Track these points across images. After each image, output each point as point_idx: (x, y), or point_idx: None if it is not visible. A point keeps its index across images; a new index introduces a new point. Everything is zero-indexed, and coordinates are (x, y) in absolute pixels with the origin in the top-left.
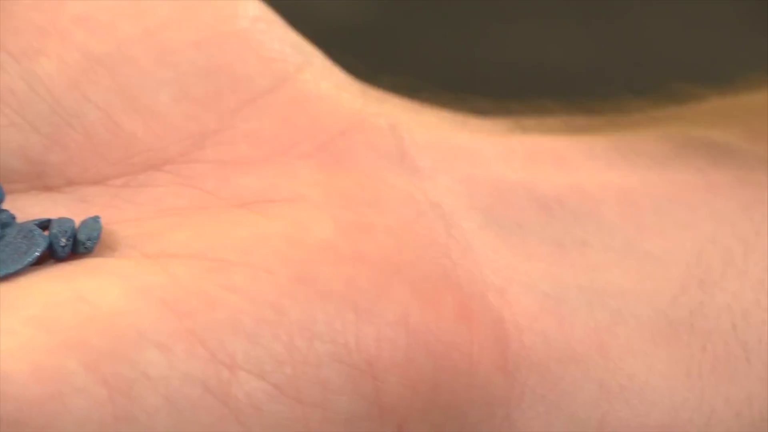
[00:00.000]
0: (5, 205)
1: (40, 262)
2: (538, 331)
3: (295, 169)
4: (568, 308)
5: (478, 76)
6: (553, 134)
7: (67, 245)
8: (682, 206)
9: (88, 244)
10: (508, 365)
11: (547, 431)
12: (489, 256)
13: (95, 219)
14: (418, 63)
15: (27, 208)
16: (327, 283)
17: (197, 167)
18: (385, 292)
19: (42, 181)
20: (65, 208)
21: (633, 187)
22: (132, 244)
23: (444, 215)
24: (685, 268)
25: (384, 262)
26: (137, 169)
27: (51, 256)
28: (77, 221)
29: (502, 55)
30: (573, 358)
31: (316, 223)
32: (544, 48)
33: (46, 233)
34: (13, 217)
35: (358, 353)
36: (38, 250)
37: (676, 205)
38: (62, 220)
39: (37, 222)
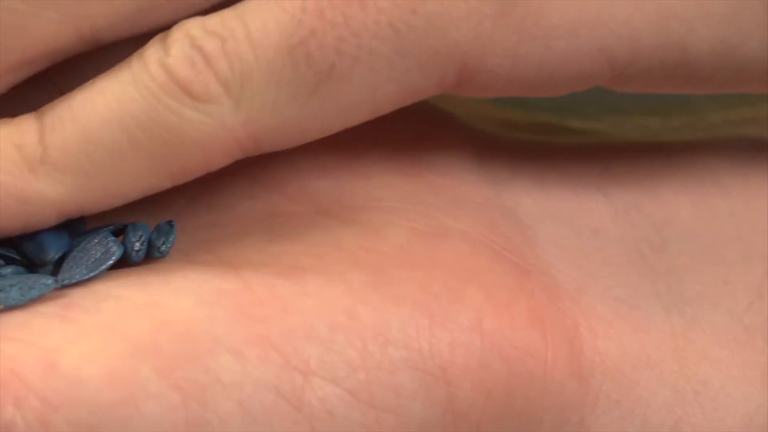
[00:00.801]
0: None
1: (115, 266)
2: (613, 337)
3: (371, 174)
4: (644, 314)
5: None
6: (628, 139)
7: (141, 250)
8: (759, 211)
9: (163, 248)
10: (582, 371)
11: None
12: (564, 260)
13: (170, 223)
14: None
15: (103, 213)
16: (401, 288)
17: (274, 172)
18: (459, 298)
19: None
20: (141, 212)
21: (710, 192)
22: (207, 248)
23: (519, 221)
24: (761, 274)
25: (458, 268)
26: (215, 174)
27: (126, 261)
28: (151, 226)
29: None
30: (648, 364)
31: (390, 228)
32: None
33: (121, 238)
34: (84, 224)
35: (431, 359)
36: (113, 258)
37: (753, 210)
38: (137, 225)
39: (112, 227)
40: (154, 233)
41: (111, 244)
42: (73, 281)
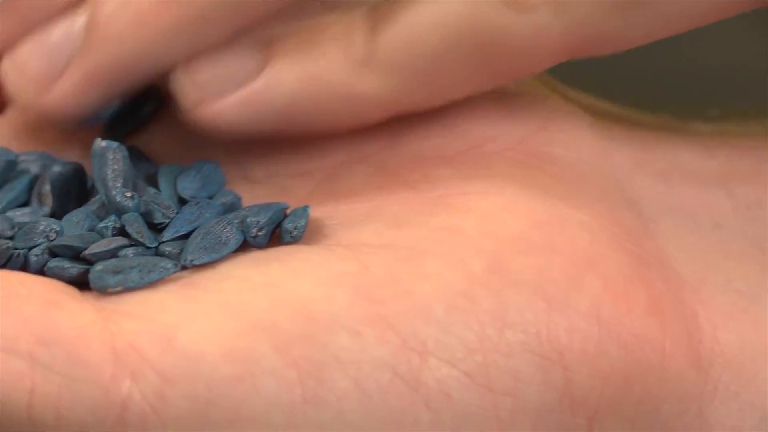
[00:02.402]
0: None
1: (238, 249)
2: (733, 329)
3: (492, 162)
4: (764, 308)
5: (677, 82)
6: (754, 138)
7: (259, 237)
8: None
9: (295, 233)
10: (701, 361)
11: (739, 429)
12: (684, 253)
13: (304, 209)
14: (616, 70)
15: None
16: (519, 273)
17: (396, 159)
18: (577, 284)
19: (243, 173)
20: (265, 198)
21: None
22: (327, 233)
23: (641, 213)
24: None
25: (577, 255)
26: (339, 162)
27: (246, 245)
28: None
29: (702, 60)
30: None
31: (509, 215)
32: (744, 52)
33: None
34: (239, 198)
35: (549, 343)
36: (234, 244)
37: None
38: (258, 212)
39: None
40: (288, 218)
41: (232, 229)
42: (195, 264)
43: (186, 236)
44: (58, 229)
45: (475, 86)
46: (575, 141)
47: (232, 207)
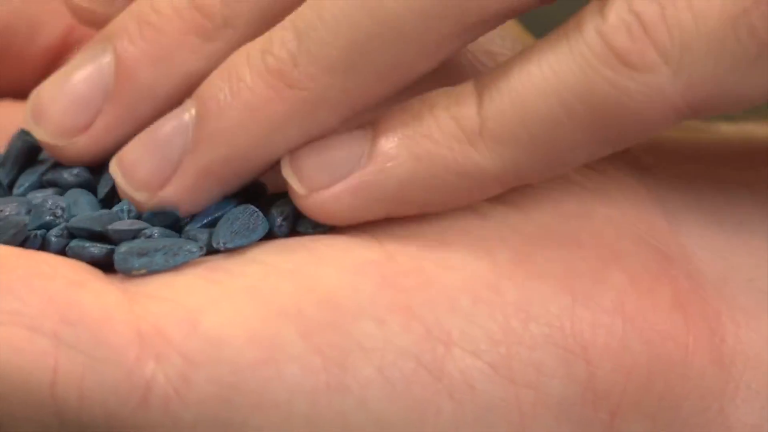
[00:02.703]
0: None
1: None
2: (755, 328)
3: None
4: None
5: None
6: None
7: (283, 226)
8: None
9: (314, 227)
10: (723, 359)
11: (760, 427)
12: (708, 251)
13: None
14: None
15: None
16: (544, 266)
17: None
18: (602, 279)
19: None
20: None
21: None
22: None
23: (666, 210)
24: None
25: (602, 249)
26: None
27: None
28: None
29: None
30: None
31: (536, 208)
32: None
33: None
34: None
35: (572, 337)
36: (264, 229)
37: None
38: (284, 201)
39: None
40: None
41: (259, 217)
42: (227, 247)
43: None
44: (64, 205)
45: (590, 153)
46: None
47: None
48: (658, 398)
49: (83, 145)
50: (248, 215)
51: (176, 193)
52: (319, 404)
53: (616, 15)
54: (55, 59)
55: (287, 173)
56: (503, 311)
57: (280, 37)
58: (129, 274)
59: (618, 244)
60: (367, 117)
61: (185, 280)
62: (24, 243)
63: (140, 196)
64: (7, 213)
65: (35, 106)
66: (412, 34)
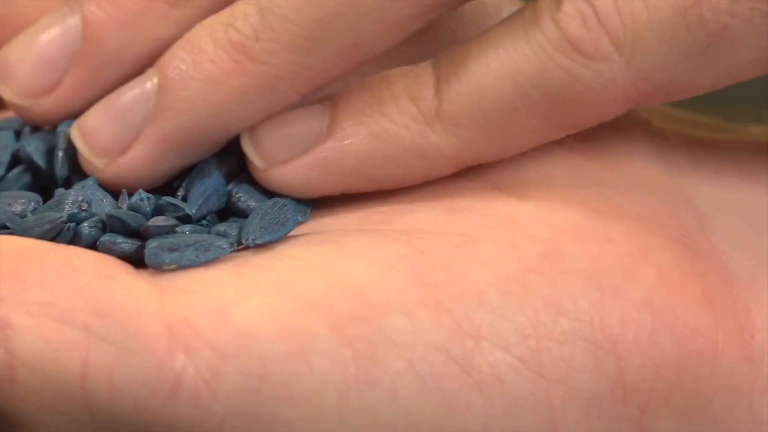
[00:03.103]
0: None
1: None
2: None
3: (546, 153)
4: None
5: (730, 85)
6: None
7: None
8: None
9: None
10: (753, 355)
11: None
12: (738, 249)
13: None
14: None
15: None
16: (574, 261)
17: None
18: (632, 274)
19: None
20: None
21: None
22: (382, 218)
23: (695, 208)
24: None
25: (632, 245)
26: None
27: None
28: None
29: None
30: None
31: (564, 204)
32: None
33: None
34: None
35: (602, 332)
36: (294, 222)
37: None
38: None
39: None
40: None
41: (289, 211)
42: (257, 243)
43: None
44: (89, 200)
45: (543, 136)
46: (630, 137)
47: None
48: (687, 394)
49: (49, 106)
50: (278, 209)
51: (135, 161)
52: (349, 397)
53: (570, 4)
54: None
55: (247, 147)
56: (533, 306)
57: (243, 11)
58: (159, 269)
59: (647, 241)
60: (326, 91)
61: (215, 275)
62: (55, 237)
63: (99, 162)
64: (41, 207)
65: (2, 65)
66: (373, 13)
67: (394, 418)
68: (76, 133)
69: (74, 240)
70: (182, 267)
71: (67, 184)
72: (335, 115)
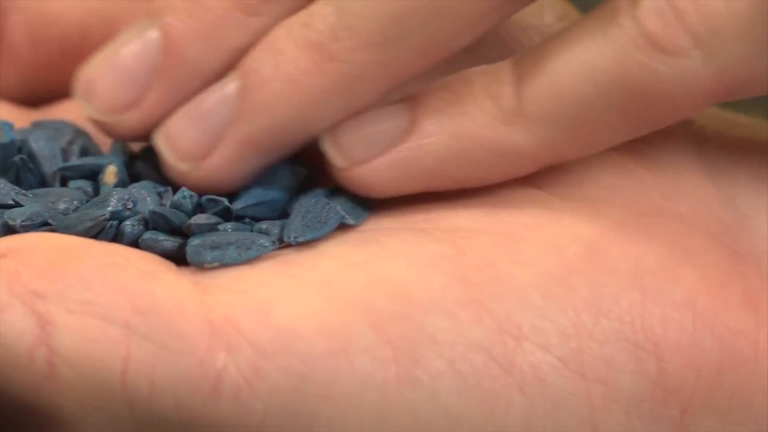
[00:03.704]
0: None
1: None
2: None
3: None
4: None
5: None
6: None
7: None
8: None
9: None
10: None
11: None
12: None
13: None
14: None
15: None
16: (615, 261)
17: None
18: (673, 275)
19: None
20: None
21: None
22: (424, 217)
23: (737, 209)
24: None
25: (673, 246)
26: None
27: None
28: None
29: None
30: None
31: (606, 204)
32: None
33: None
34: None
35: (643, 332)
36: (336, 221)
37: None
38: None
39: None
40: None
41: (331, 210)
42: (298, 241)
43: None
44: (134, 198)
45: (623, 134)
46: (672, 137)
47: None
48: (728, 395)
49: (133, 121)
50: (320, 207)
51: (219, 164)
52: (390, 396)
53: (649, 1)
54: None
55: (327, 146)
56: (574, 306)
57: (321, 11)
58: (201, 267)
59: (689, 241)
60: (406, 90)
61: (257, 273)
62: (98, 234)
63: (184, 167)
64: (85, 205)
65: (84, 83)
66: (451, 8)
67: (435, 417)
68: (160, 139)
69: (116, 237)
70: (224, 265)
71: None
72: (415, 114)
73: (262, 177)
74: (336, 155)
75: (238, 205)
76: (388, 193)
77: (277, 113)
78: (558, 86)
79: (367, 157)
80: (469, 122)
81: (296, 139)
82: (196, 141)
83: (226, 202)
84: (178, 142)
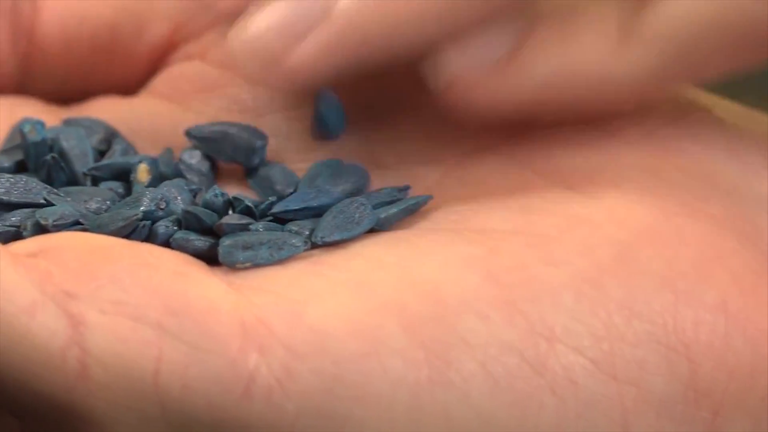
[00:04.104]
0: None
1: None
2: None
3: (621, 153)
4: None
5: None
6: None
7: (384, 219)
8: None
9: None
10: None
11: None
12: None
13: (425, 198)
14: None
15: None
16: (647, 263)
17: (526, 148)
18: (706, 277)
19: (372, 158)
20: (394, 184)
21: None
22: (456, 218)
23: None
24: None
25: (706, 247)
26: (470, 150)
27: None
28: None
29: None
30: None
31: (638, 205)
32: None
33: None
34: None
35: (675, 334)
36: (371, 222)
37: None
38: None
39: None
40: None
41: (366, 210)
42: (325, 241)
43: (317, 215)
44: (167, 199)
45: (720, 70)
46: (704, 137)
47: (356, 192)
48: (761, 397)
49: (295, 69)
50: (354, 208)
51: (305, 58)
52: (422, 398)
53: None
54: (160, 58)
55: (433, 62)
56: (606, 308)
57: None
58: (233, 267)
59: (721, 243)
60: (520, 10)
61: (289, 274)
62: (130, 234)
63: (269, 52)
64: (117, 204)
65: (245, 36)
66: None
67: (467, 419)
68: (244, 34)
69: (149, 237)
70: (256, 265)
71: None
72: (524, 36)
73: (327, 174)
74: (440, 72)
75: (277, 209)
76: (490, 113)
77: (367, 24)
78: (678, 14)
79: (471, 75)
80: (579, 45)
81: (386, 52)
82: (281, 38)
83: (248, 202)
84: (271, 23)
